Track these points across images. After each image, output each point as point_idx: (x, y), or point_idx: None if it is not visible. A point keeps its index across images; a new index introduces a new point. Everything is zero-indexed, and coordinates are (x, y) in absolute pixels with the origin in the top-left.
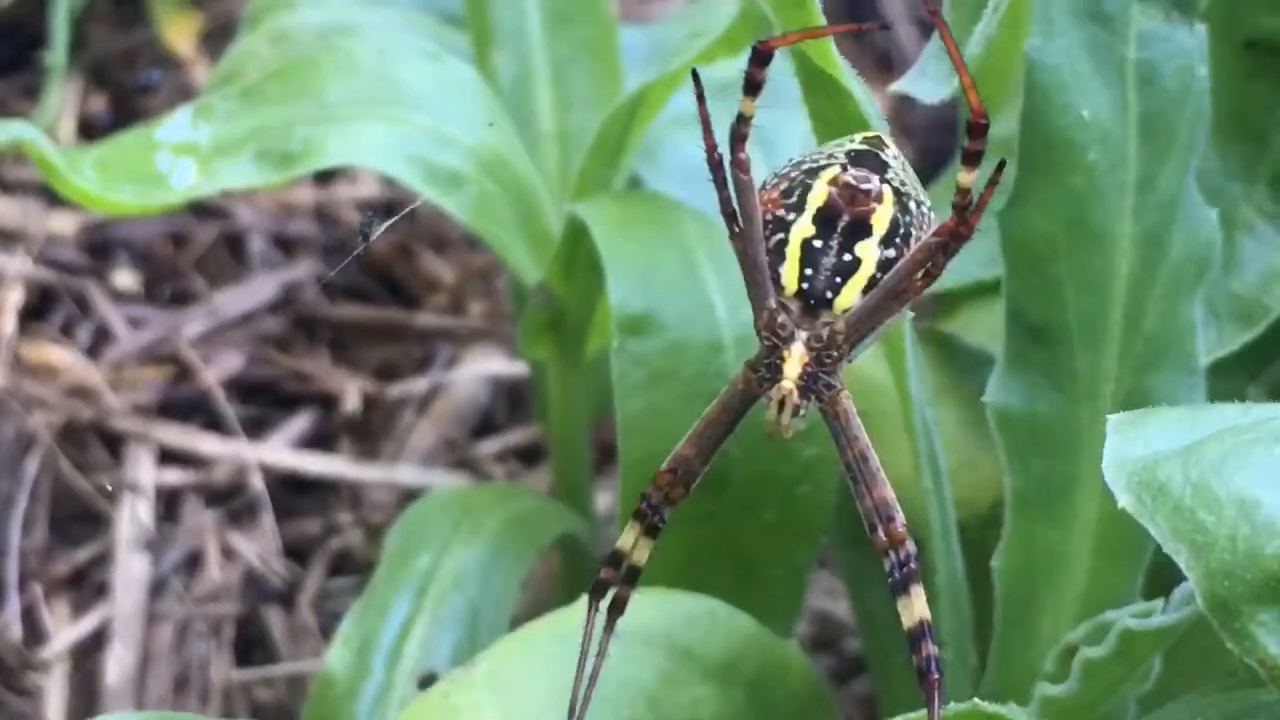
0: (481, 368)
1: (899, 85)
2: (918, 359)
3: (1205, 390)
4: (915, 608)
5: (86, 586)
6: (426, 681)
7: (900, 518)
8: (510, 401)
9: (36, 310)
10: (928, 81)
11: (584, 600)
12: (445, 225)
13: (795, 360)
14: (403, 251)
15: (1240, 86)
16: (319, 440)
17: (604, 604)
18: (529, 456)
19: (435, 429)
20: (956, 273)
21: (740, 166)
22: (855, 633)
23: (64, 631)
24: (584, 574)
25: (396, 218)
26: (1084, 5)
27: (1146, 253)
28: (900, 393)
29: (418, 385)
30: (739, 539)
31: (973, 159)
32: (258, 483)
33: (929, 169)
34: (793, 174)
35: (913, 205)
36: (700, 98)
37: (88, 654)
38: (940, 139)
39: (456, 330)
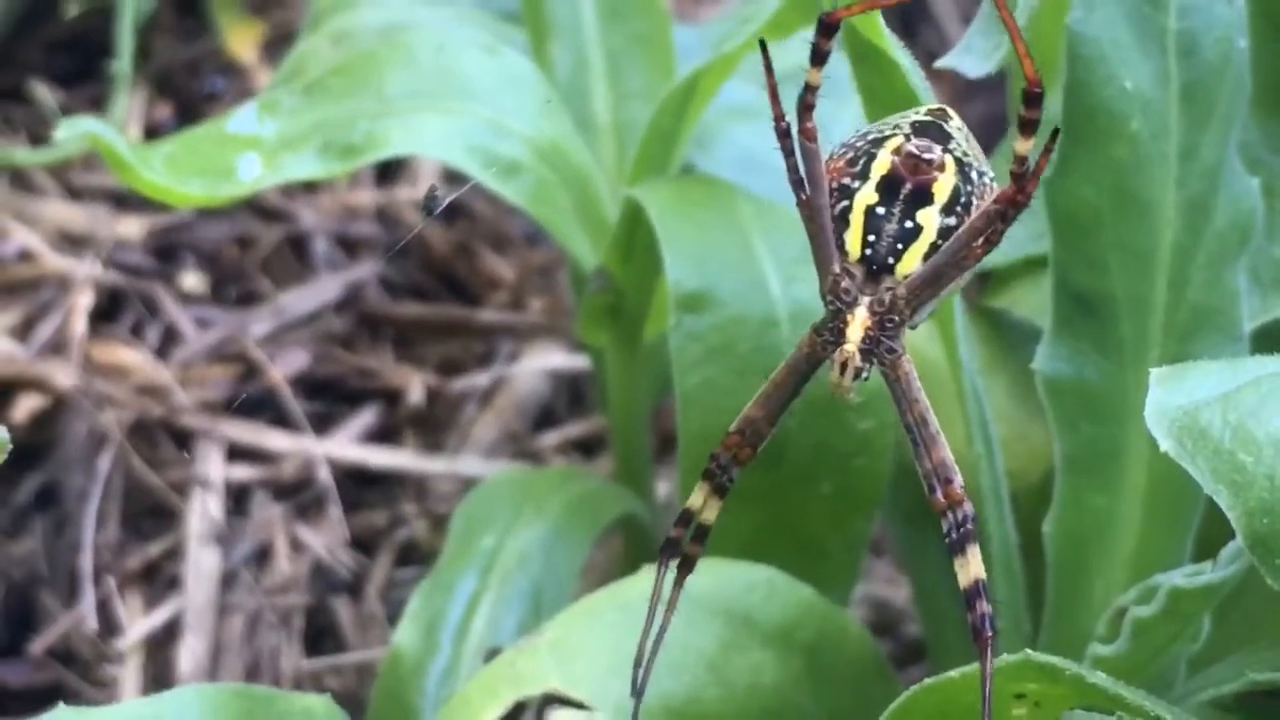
0: (542, 362)
1: (945, 61)
2: (968, 330)
3: (1249, 356)
4: (971, 567)
5: (159, 580)
6: (492, 656)
7: (959, 479)
8: (570, 394)
9: (107, 312)
10: (972, 57)
11: (646, 571)
12: (505, 224)
13: (858, 324)
14: (463, 250)
15: (1277, 60)
16: (384, 434)
17: (673, 563)
18: (589, 448)
19: (497, 422)
20: (1006, 248)
21: (807, 135)
22: (913, 618)
23: (138, 624)
24: (646, 558)
25: (457, 193)
26: None
27: (1190, 221)
28: (951, 362)
29: (480, 379)
30: (797, 512)
31: (1029, 127)
32: (325, 476)
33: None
34: (859, 144)
35: (974, 174)
36: (768, 68)
37: (161, 645)
38: (992, 136)
39: (517, 326)
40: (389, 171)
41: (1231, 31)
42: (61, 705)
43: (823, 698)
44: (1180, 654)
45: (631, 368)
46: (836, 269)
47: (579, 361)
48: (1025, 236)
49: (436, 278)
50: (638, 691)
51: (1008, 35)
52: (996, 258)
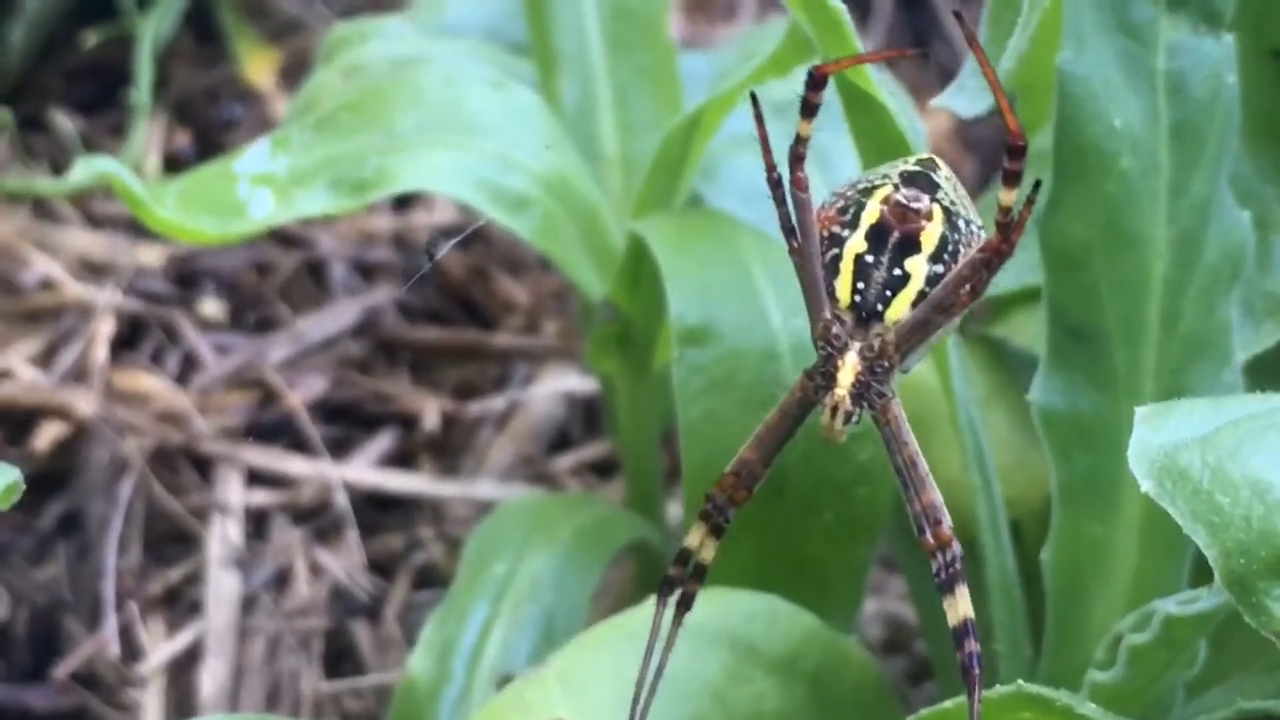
0: (557, 385)
1: (939, 100)
2: (962, 361)
3: (1242, 386)
4: (960, 606)
5: (180, 604)
6: (504, 683)
7: (947, 520)
8: (585, 417)
9: (127, 340)
10: (965, 97)
11: (652, 601)
12: (519, 249)
13: (849, 369)
14: (479, 275)
15: (1270, 93)
16: (401, 458)
17: (672, 600)
18: (603, 470)
19: (513, 445)
20: (1006, 278)
21: (799, 185)
22: (925, 636)
23: (160, 648)
24: (657, 582)
25: (461, 236)
26: (1114, 18)
27: (1181, 255)
28: (946, 393)
29: (495, 403)
30: (799, 540)
31: (1012, 179)
32: (343, 501)
33: (991, 183)
34: (849, 193)
35: (961, 223)
36: (759, 119)
37: (183, 669)
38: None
39: (532, 349)
40: (406, 198)
41: (1220, 69)
42: None
43: None
44: (1177, 680)
45: (641, 395)
46: (827, 315)
47: (593, 384)
48: (1023, 268)
49: (452, 302)
50: None
51: (1000, 74)
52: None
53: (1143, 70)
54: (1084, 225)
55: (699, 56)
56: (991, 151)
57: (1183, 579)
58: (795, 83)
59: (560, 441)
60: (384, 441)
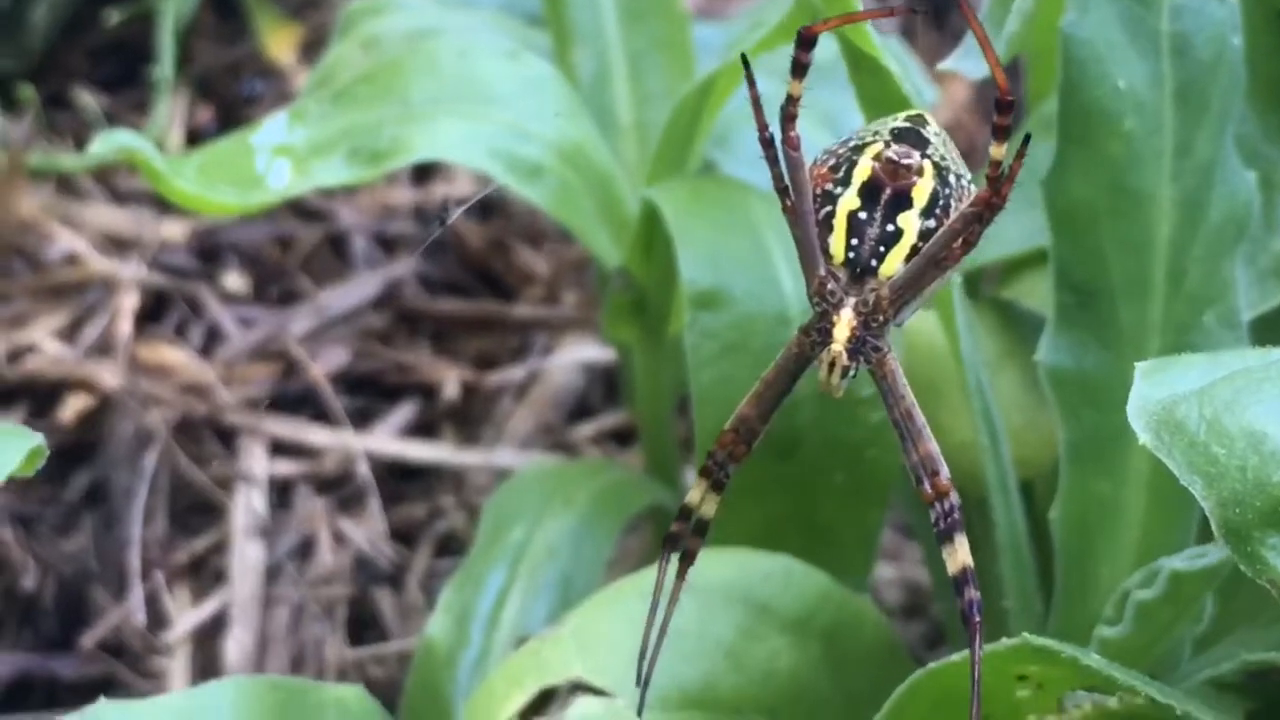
0: (576, 355)
1: (946, 63)
2: (971, 324)
3: (1247, 344)
4: (959, 555)
5: (205, 573)
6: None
7: (945, 471)
8: (604, 386)
9: (152, 313)
10: (972, 59)
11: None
12: (539, 220)
13: (844, 324)
14: (498, 246)
15: (1277, 55)
16: (422, 428)
17: (675, 556)
18: (622, 438)
19: (532, 414)
20: (1015, 241)
21: (790, 144)
22: (939, 600)
23: (185, 616)
24: None
25: (470, 202)
26: None
27: (1186, 215)
28: (955, 356)
29: (515, 373)
30: (811, 502)
31: (1002, 133)
32: (365, 471)
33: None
34: (840, 151)
35: (952, 178)
36: (750, 81)
37: (208, 637)
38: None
39: (551, 320)
40: (426, 171)
41: (1224, 30)
42: (103, 699)
43: (840, 682)
44: (1185, 635)
45: (656, 362)
46: (822, 272)
47: (611, 354)
48: (1032, 230)
49: (472, 274)
50: (643, 682)
51: (1004, 37)
52: (1007, 249)
53: (1146, 32)
54: (1089, 186)
55: (713, 27)
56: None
57: (1190, 536)
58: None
59: (580, 410)
60: (405, 412)
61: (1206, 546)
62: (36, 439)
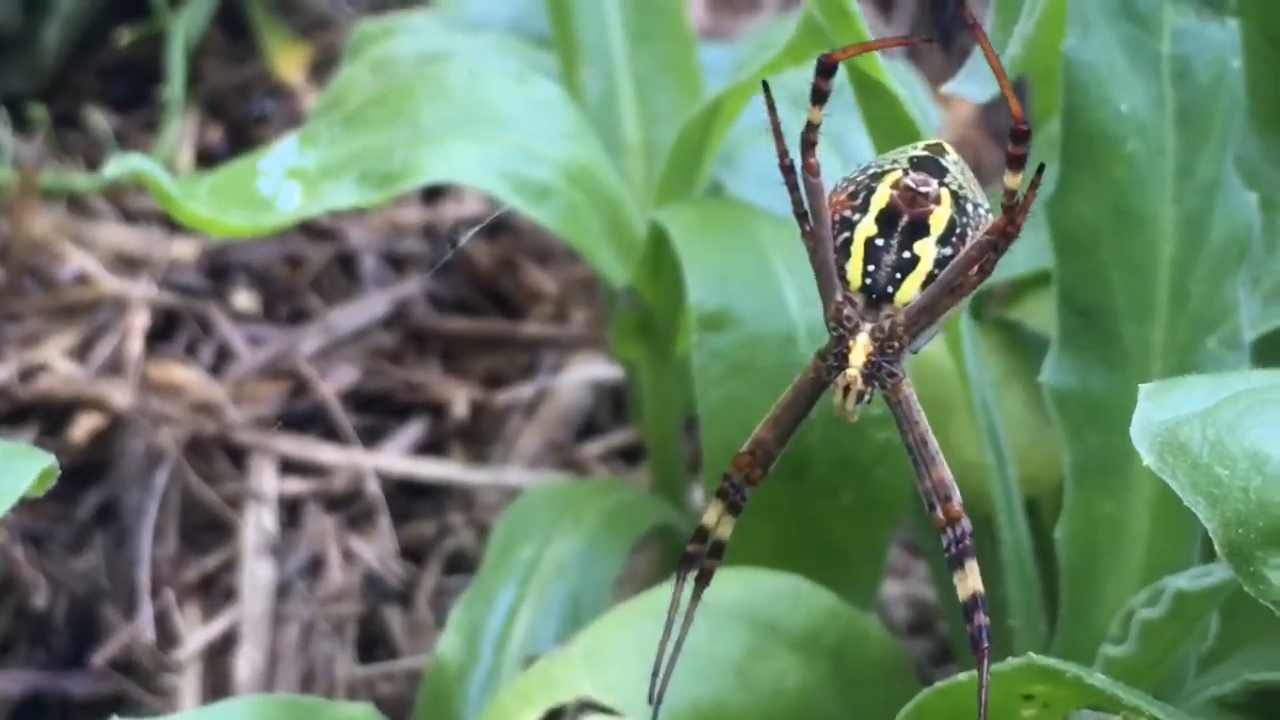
0: (584, 373)
1: (949, 87)
2: (977, 345)
3: (1250, 365)
4: (969, 581)
5: (216, 591)
6: (531, 664)
7: (957, 497)
8: (613, 404)
9: (162, 332)
10: (976, 82)
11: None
12: (547, 240)
13: (860, 350)
14: (507, 265)
15: (1277, 78)
16: (431, 446)
17: (691, 576)
18: (631, 456)
19: (541, 432)
20: (1020, 262)
21: (811, 170)
22: (946, 618)
23: (196, 634)
24: None
25: (481, 225)
26: (1118, 4)
27: (1188, 236)
28: (961, 376)
29: (524, 391)
30: (820, 521)
31: (1016, 163)
32: (374, 489)
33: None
34: (859, 178)
35: (969, 207)
36: (770, 107)
37: (219, 655)
38: None
39: (560, 338)
40: (435, 191)
41: (1225, 53)
42: (114, 718)
43: (847, 700)
44: (1189, 653)
45: (664, 381)
46: (839, 297)
47: (620, 372)
48: (1037, 252)
49: (481, 292)
50: (655, 700)
51: (1005, 61)
52: (1014, 269)
53: (1148, 55)
54: (1092, 208)
55: (720, 48)
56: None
57: (1195, 555)
58: (809, 74)
59: (588, 429)
60: (415, 430)
61: (1211, 566)
62: (48, 459)
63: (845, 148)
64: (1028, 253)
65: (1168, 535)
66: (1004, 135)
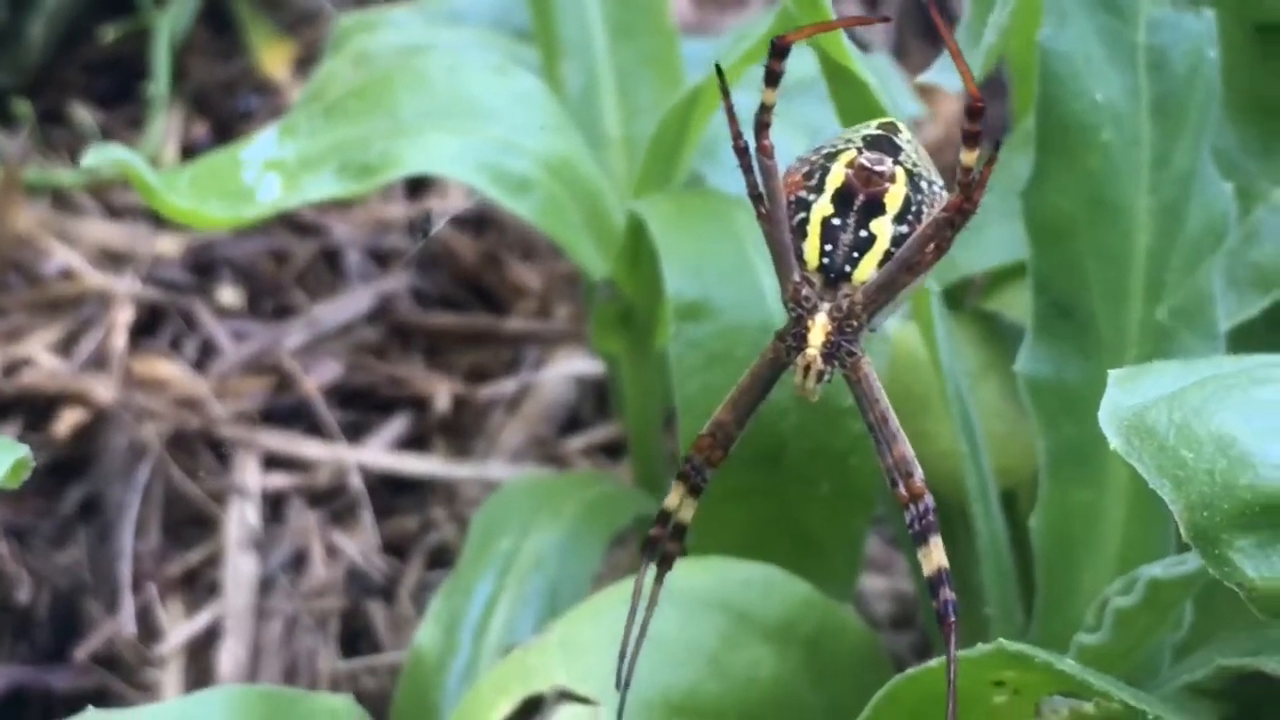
0: (567, 368)
1: (925, 76)
2: (952, 334)
3: (1225, 354)
4: (934, 556)
5: (199, 586)
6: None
7: (919, 473)
8: (595, 399)
9: (146, 327)
10: (952, 72)
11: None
12: (531, 235)
13: (819, 329)
14: (492, 261)
15: (1255, 68)
16: (414, 441)
17: (654, 561)
18: (613, 451)
19: (524, 427)
20: (998, 253)
21: (765, 152)
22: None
23: (179, 628)
24: None
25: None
26: None
27: (1163, 226)
28: (934, 365)
29: (507, 386)
30: (796, 511)
31: (971, 139)
32: (357, 483)
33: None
34: (814, 159)
35: (924, 184)
36: (724, 91)
37: (202, 649)
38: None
39: (543, 333)
40: (419, 186)
41: (1201, 44)
42: (90, 709)
43: (822, 690)
44: (1164, 642)
45: (644, 374)
46: (796, 278)
47: (603, 367)
48: (1015, 241)
49: (465, 287)
50: (623, 684)
51: (982, 49)
52: (989, 262)
53: (1123, 45)
54: (1067, 198)
55: (703, 42)
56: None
57: (1170, 544)
58: (793, 63)
59: (571, 423)
60: (398, 425)
61: (1185, 555)
62: (21, 450)
63: (821, 138)
64: (1005, 243)
65: (1143, 524)
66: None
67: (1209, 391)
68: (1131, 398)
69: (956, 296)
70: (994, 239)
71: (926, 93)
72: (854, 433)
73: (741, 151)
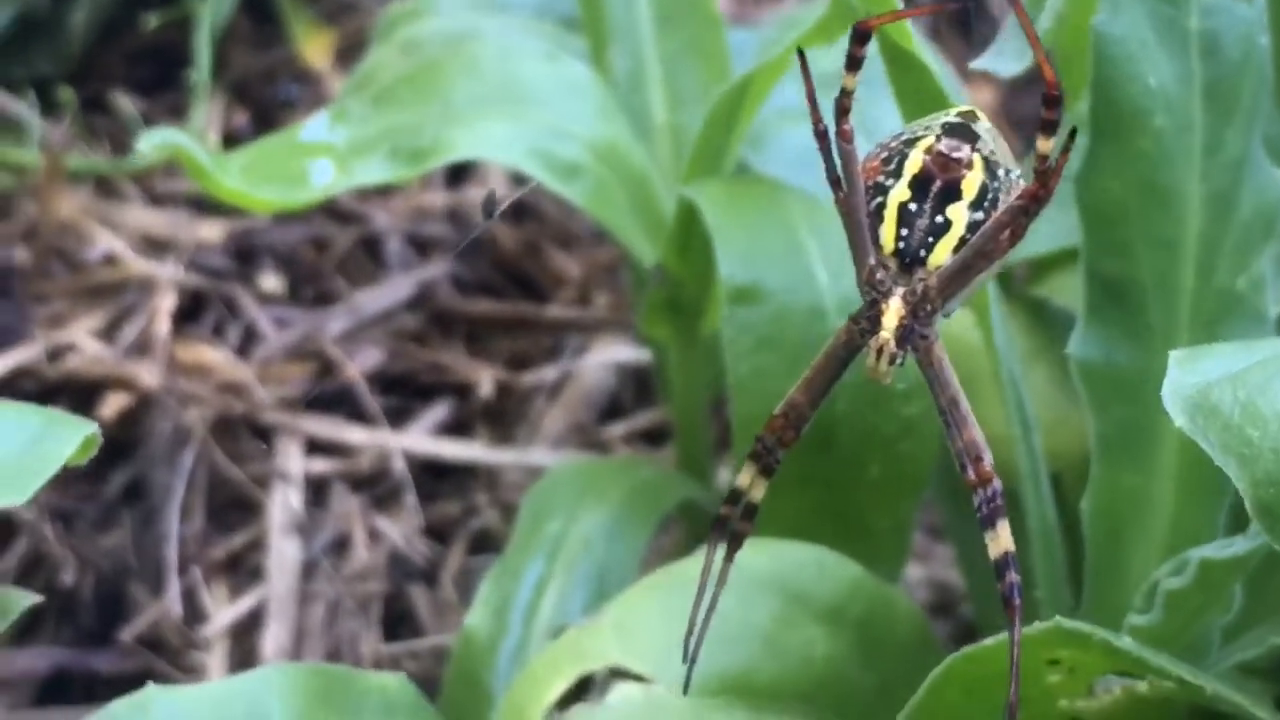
0: (608, 355)
1: (979, 62)
2: (1004, 319)
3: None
4: (1001, 539)
5: (243, 570)
6: (559, 635)
7: (988, 458)
8: (636, 386)
9: (189, 313)
10: (1005, 58)
11: (702, 552)
12: (572, 223)
13: (893, 313)
14: (532, 249)
15: None
16: (456, 427)
17: (723, 540)
18: (654, 438)
19: (565, 414)
20: (1046, 240)
21: (844, 136)
22: (971, 599)
23: (223, 612)
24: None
25: (510, 200)
26: None
27: (1215, 212)
28: (988, 349)
29: (548, 373)
30: (846, 495)
31: (1049, 127)
32: (400, 468)
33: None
34: (893, 144)
35: (1001, 172)
36: (805, 73)
37: (246, 632)
38: None
39: (584, 321)
40: (459, 174)
41: (1253, 30)
42: (150, 685)
43: (873, 670)
44: (1214, 623)
45: (691, 360)
46: (872, 261)
47: (643, 354)
48: (1063, 230)
49: (506, 275)
50: (689, 660)
51: (1040, 35)
52: (1039, 247)
53: (1176, 31)
54: (1120, 183)
55: (746, 32)
56: (1032, 121)
57: (1219, 527)
58: (839, 55)
59: (612, 410)
60: (440, 411)
61: (1235, 538)
62: (90, 427)
63: (866, 119)
64: (1053, 231)
65: (1192, 507)
66: (1026, 122)
67: (1272, 370)
68: (1194, 377)
69: (1005, 282)
70: (1041, 226)
71: (963, 79)
72: (904, 417)
73: (821, 135)
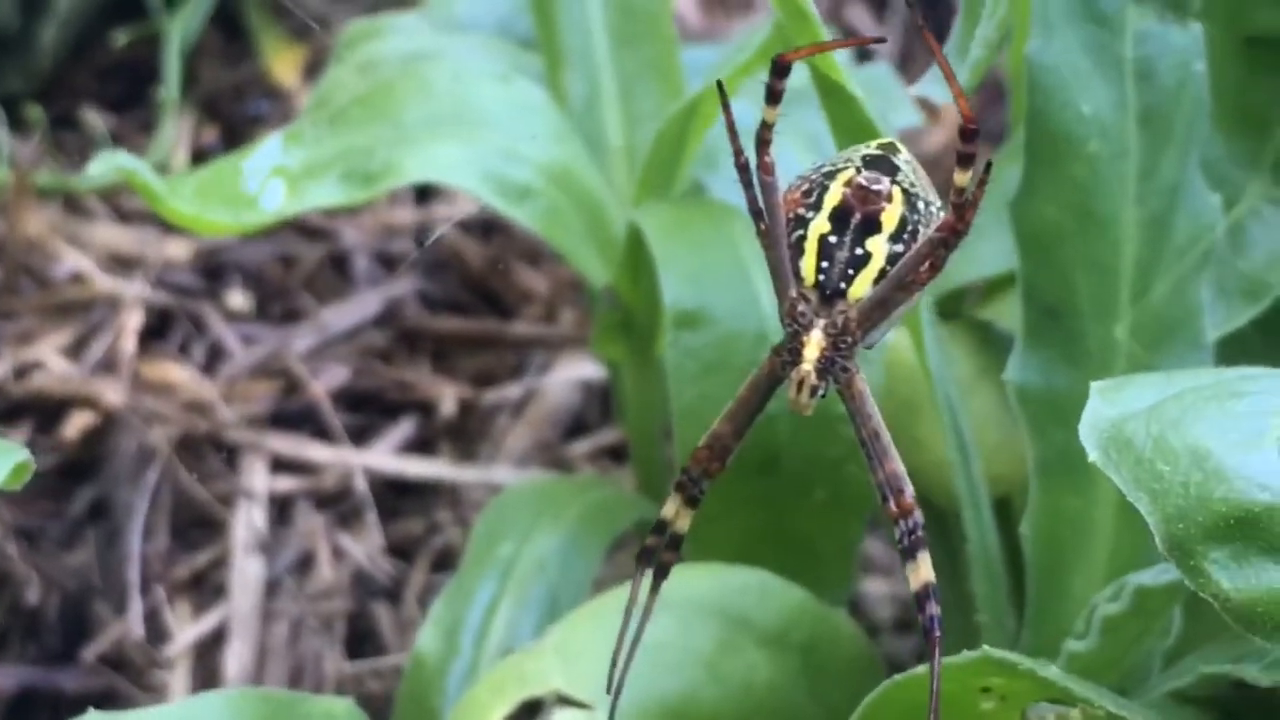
0: (573, 373)
1: (916, 89)
2: (940, 340)
3: (1213, 364)
4: (921, 572)
5: (206, 588)
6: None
7: (909, 490)
8: (600, 404)
9: (155, 331)
10: (940, 85)
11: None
12: (539, 240)
13: (814, 345)
14: (498, 265)
15: (1244, 81)
16: (420, 445)
17: (649, 570)
18: (619, 455)
19: (529, 432)
20: (992, 262)
21: (765, 169)
22: None
23: (186, 630)
24: None
25: (436, 234)
26: (1082, 7)
27: (1151, 236)
28: (924, 373)
29: (513, 391)
30: (791, 518)
31: (965, 160)
32: (363, 487)
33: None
34: (813, 177)
35: (920, 204)
36: (725, 106)
37: (209, 651)
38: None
39: (549, 338)
40: (428, 192)
41: (1187, 57)
42: (92, 711)
43: (817, 695)
44: (1154, 649)
45: (646, 380)
46: (793, 294)
47: (608, 372)
48: (1009, 250)
49: (472, 292)
50: (614, 691)
51: (969, 64)
52: (983, 271)
53: (1111, 58)
54: (1055, 208)
55: (707, 49)
56: (993, 138)
57: (1159, 552)
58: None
59: (576, 428)
60: (404, 429)
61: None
62: (22, 454)
63: (822, 149)
64: (999, 253)
65: (1132, 531)
66: (992, 140)
67: (1186, 404)
68: (1113, 409)
69: (952, 304)
70: (988, 248)
71: (929, 101)
72: (848, 440)
73: (742, 168)
